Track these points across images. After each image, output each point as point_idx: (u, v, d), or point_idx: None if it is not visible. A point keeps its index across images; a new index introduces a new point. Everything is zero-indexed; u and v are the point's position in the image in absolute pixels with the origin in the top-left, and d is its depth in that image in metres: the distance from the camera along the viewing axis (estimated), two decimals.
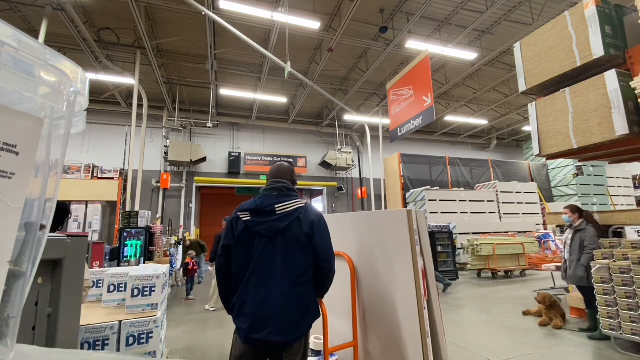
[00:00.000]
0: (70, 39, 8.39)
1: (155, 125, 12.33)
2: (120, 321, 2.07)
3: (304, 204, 1.81)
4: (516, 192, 13.48)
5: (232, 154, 13.20)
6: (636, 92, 2.85)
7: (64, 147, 0.47)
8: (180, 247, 10.48)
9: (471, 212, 12.21)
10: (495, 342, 3.93)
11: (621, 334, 3.47)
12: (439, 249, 8.79)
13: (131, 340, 2.08)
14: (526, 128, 16.58)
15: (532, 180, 15.22)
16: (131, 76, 9.21)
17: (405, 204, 12.82)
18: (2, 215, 0.35)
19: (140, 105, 9.18)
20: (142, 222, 8.23)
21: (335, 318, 2.63)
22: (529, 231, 10.91)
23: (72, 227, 9.58)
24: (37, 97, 0.41)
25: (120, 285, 2.40)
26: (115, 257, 6.26)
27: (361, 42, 9.10)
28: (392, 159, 13.96)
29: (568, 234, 4.42)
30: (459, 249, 10.00)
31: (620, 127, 2.95)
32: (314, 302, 1.75)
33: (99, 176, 10.15)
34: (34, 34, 7.45)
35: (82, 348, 1.90)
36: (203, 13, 6.56)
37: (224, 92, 11.32)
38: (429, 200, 11.61)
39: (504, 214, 12.93)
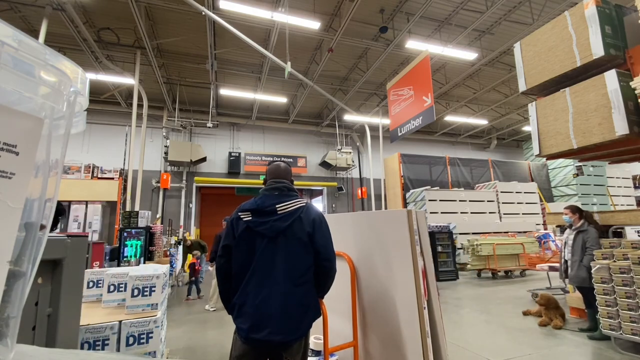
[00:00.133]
0: (70, 39, 8.39)
1: (155, 125, 12.33)
2: (120, 321, 2.07)
3: (304, 204, 1.81)
4: (516, 192, 13.48)
5: (232, 154, 13.20)
6: (636, 92, 2.85)
7: (64, 147, 0.47)
8: (180, 247, 10.49)
9: (471, 212, 12.21)
10: (495, 342, 3.93)
11: (621, 334, 3.47)
12: (439, 249, 8.81)
13: (131, 340, 2.07)
14: (526, 128, 16.59)
15: (532, 180, 15.22)
16: (131, 76, 9.21)
17: (405, 204, 12.82)
18: (2, 215, 0.35)
19: (140, 105, 9.18)
20: (142, 222, 8.24)
21: (335, 318, 2.63)
22: (529, 231, 10.91)
23: (72, 227, 9.58)
24: (37, 97, 0.41)
25: (120, 285, 2.40)
26: (115, 257, 6.27)
27: (361, 42, 9.10)
28: (392, 159, 13.96)
29: (568, 234, 4.42)
30: (459, 249, 10.00)
31: (620, 127, 2.95)
32: (314, 302, 1.75)
33: (99, 176, 10.16)
34: (34, 34, 7.45)
35: (82, 348, 1.90)
36: (203, 13, 6.56)
37: (224, 92, 11.32)
38: (429, 200, 11.61)
39: (504, 214, 12.93)
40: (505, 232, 10.56)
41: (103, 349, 1.98)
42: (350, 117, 13.41)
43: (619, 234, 4.38)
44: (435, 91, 10.38)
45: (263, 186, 1.90)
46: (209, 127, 11.78)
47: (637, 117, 2.98)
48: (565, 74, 3.46)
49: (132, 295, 2.25)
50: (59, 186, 0.46)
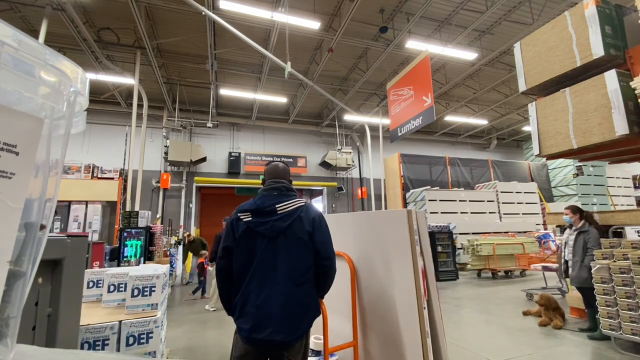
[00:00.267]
0: (70, 39, 8.39)
1: (155, 125, 12.33)
2: (120, 321, 2.07)
3: (304, 203, 1.81)
4: (516, 192, 13.48)
5: (232, 154, 13.20)
6: (636, 92, 2.85)
7: (64, 147, 0.47)
8: (180, 247, 10.49)
9: (471, 212, 12.21)
10: (495, 342, 3.93)
11: (621, 334, 3.47)
12: (439, 249, 8.81)
13: (131, 340, 2.07)
14: (526, 128, 16.59)
15: (532, 180, 15.22)
16: (131, 76, 9.21)
17: (405, 204, 12.82)
18: (2, 215, 0.35)
19: (140, 105, 9.18)
20: (142, 222, 8.24)
21: (335, 318, 2.63)
22: (529, 231, 10.91)
23: (72, 227, 9.58)
24: (37, 97, 0.41)
25: (120, 285, 2.40)
26: (115, 257, 6.27)
27: (361, 42, 9.10)
28: (392, 159, 13.96)
29: (568, 234, 4.42)
30: (459, 249, 10.00)
31: (620, 127, 2.95)
32: (314, 302, 1.75)
33: (99, 176, 10.15)
34: (34, 34, 7.45)
35: (82, 348, 1.90)
36: (203, 13, 6.56)
37: (224, 92, 11.32)
38: (429, 200, 11.61)
39: (504, 214, 12.93)
40: (505, 232, 10.56)
41: (103, 349, 1.98)
42: (350, 117, 13.41)
43: (619, 234, 4.38)
44: (435, 91, 10.38)
45: (262, 186, 1.90)
46: (209, 127, 11.78)
47: (637, 117, 2.98)
48: (565, 74, 3.46)
49: (132, 295, 2.25)
50: (59, 186, 0.46)
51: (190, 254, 9.15)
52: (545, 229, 12.18)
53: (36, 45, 0.41)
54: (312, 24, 7.72)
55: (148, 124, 10.22)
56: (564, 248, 4.48)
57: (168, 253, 8.70)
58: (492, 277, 8.72)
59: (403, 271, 2.26)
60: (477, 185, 14.26)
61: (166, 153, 11.68)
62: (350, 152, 14.17)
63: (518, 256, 8.70)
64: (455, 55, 9.38)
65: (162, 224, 10.19)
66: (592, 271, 3.77)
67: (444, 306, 5.38)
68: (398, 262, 2.30)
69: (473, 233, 10.64)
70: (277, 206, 1.75)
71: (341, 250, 2.65)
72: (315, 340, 2.51)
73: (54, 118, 0.43)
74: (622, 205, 14.38)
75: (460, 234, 10.56)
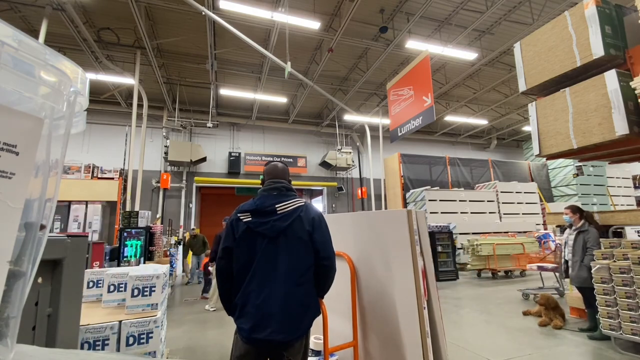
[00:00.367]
0: (70, 39, 8.39)
1: (155, 125, 12.33)
2: (120, 321, 2.07)
3: (303, 203, 1.82)
4: (516, 192, 13.48)
5: (232, 154, 13.20)
6: (636, 92, 2.85)
7: (64, 147, 0.47)
8: (181, 247, 10.50)
9: (471, 212, 12.21)
10: (495, 342, 3.93)
11: (621, 334, 3.47)
12: (439, 249, 8.81)
13: (131, 340, 2.08)
14: (526, 128, 16.59)
15: (532, 180, 15.22)
16: (131, 76, 9.21)
17: (405, 204, 12.82)
18: (2, 215, 0.35)
19: (140, 105, 9.18)
20: (142, 222, 8.23)
21: (335, 318, 2.63)
22: (529, 231, 10.91)
23: (72, 227, 9.58)
24: (37, 97, 0.41)
25: (120, 285, 2.40)
26: (115, 257, 6.27)
27: (361, 42, 9.10)
28: (392, 159, 13.96)
29: (568, 234, 4.42)
30: (459, 249, 10.00)
31: (620, 127, 2.95)
32: (314, 302, 1.75)
33: (99, 176, 10.15)
34: (34, 34, 7.45)
35: (82, 348, 1.90)
36: (203, 13, 6.56)
37: (224, 92, 11.32)
38: (429, 200, 11.61)
39: (504, 214, 12.93)
40: (505, 232, 10.56)
41: (103, 349, 1.98)
42: (350, 117, 13.41)
43: (619, 234, 4.38)
44: (435, 91, 10.38)
45: (261, 186, 1.90)
46: (209, 127, 11.78)
47: (637, 117, 2.98)
48: (565, 74, 3.46)
49: (132, 295, 2.26)
50: (59, 186, 0.46)
51: (190, 253, 9.15)
52: (545, 229, 12.18)
53: (36, 45, 0.41)
54: (312, 24, 7.72)
55: (148, 124, 10.22)
56: (564, 248, 4.48)
57: (168, 253, 8.70)
58: (492, 277, 8.72)
59: (403, 271, 2.26)
60: (477, 185, 14.26)
61: (166, 153, 11.68)
62: (350, 152, 14.17)
63: (518, 256, 8.70)
64: (455, 55, 9.38)
65: (162, 224, 10.20)
66: (592, 271, 3.77)
67: (444, 306, 5.38)
68: (398, 262, 2.30)
69: (473, 233, 10.64)
70: (276, 206, 1.75)
71: (341, 250, 2.65)
72: (315, 340, 2.52)
73: (54, 118, 0.43)
74: (622, 205, 14.38)
75: (460, 234, 10.56)
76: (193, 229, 9.33)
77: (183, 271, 10.60)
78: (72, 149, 11.02)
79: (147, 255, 6.60)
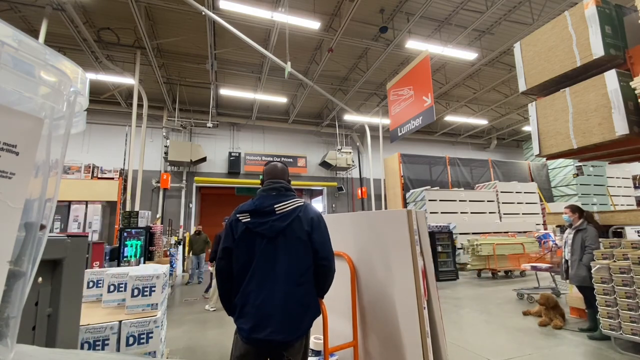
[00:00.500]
0: (70, 39, 8.39)
1: (155, 125, 12.33)
2: (120, 321, 2.07)
3: (302, 203, 1.82)
4: (516, 192, 13.48)
5: (232, 154, 13.20)
6: (636, 92, 2.85)
7: (64, 147, 0.47)
8: (180, 247, 10.50)
9: (471, 212, 12.21)
10: (495, 342, 3.93)
11: (621, 334, 3.47)
12: (439, 249, 8.81)
13: (131, 340, 2.08)
14: (526, 128, 16.59)
15: (532, 180, 15.22)
16: (131, 76, 9.21)
17: (405, 204, 12.82)
18: (2, 215, 0.35)
19: (140, 105, 9.18)
20: (142, 222, 8.23)
21: (335, 318, 2.63)
22: (529, 231, 10.91)
23: (72, 227, 9.58)
24: (37, 97, 0.41)
25: (120, 285, 2.40)
26: (115, 257, 6.27)
27: (361, 42, 9.10)
28: (392, 159, 13.96)
29: (568, 233, 4.42)
30: (459, 249, 10.00)
31: (620, 127, 2.95)
32: (314, 302, 1.75)
33: (99, 176, 10.15)
34: (34, 34, 7.45)
35: (82, 348, 1.90)
36: (203, 13, 6.56)
37: (224, 92, 11.32)
38: (429, 200, 11.61)
39: (504, 214, 12.93)
40: (505, 232, 10.56)
41: (103, 349, 1.98)
42: (350, 117, 13.41)
43: (619, 234, 4.38)
44: (435, 91, 10.38)
45: (261, 187, 1.91)
46: (209, 127, 11.78)
47: (637, 117, 2.98)
48: (565, 74, 3.46)
49: (132, 295, 2.26)
50: (59, 186, 0.46)
51: (190, 253, 9.15)
52: (545, 229, 12.18)
53: (36, 45, 0.41)
54: (312, 24, 7.72)
55: (148, 124, 10.22)
56: (565, 248, 4.48)
57: (168, 253, 8.70)
58: (492, 277, 8.71)
59: (403, 271, 2.26)
60: (477, 185, 14.26)
61: (166, 153, 11.68)
62: (350, 152, 14.17)
63: (517, 256, 8.68)
64: (455, 55, 9.38)
65: (162, 224, 10.20)
66: (592, 271, 3.77)
67: (444, 306, 5.38)
68: (398, 262, 2.30)
69: (473, 233, 10.64)
70: (275, 206, 1.75)
71: (341, 250, 2.65)
72: (315, 340, 2.51)
73: (54, 118, 0.43)
74: (622, 205, 14.38)
75: (460, 234, 10.56)
76: (198, 227, 9.35)
77: (184, 271, 10.60)
78: (72, 149, 11.02)
79: (147, 255, 6.60)
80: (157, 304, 2.31)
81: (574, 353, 3.56)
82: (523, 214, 13.25)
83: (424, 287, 2.25)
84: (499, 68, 10.90)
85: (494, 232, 10.42)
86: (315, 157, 14.84)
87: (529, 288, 6.38)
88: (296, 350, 1.66)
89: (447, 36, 8.92)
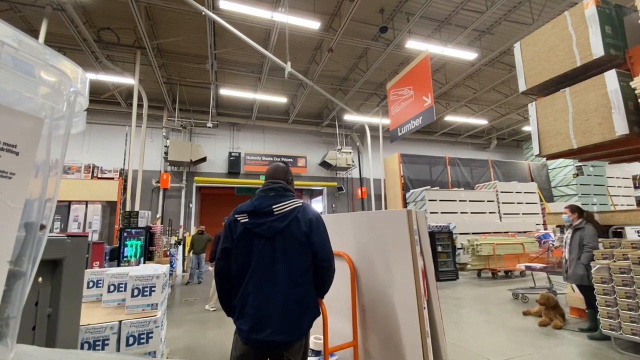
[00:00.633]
0: (70, 39, 8.39)
1: (155, 125, 12.33)
2: (120, 321, 2.07)
3: (300, 204, 1.81)
4: (516, 192, 13.47)
5: (232, 154, 13.20)
6: (636, 92, 2.85)
7: (64, 147, 0.47)
8: (180, 247, 10.50)
9: (471, 212, 12.21)
10: (495, 342, 3.93)
11: (621, 334, 3.47)
12: (439, 249, 8.81)
13: (131, 340, 2.08)
14: (526, 128, 16.59)
15: (532, 180, 15.22)
16: (131, 76, 9.21)
17: (405, 204, 12.82)
18: (2, 215, 0.35)
19: (140, 105, 9.18)
20: (142, 222, 8.23)
21: (335, 318, 2.63)
22: (529, 231, 10.91)
23: (72, 227, 9.58)
24: (37, 97, 0.41)
25: (120, 285, 2.40)
26: (115, 257, 6.27)
27: (361, 42, 9.10)
28: (392, 159, 13.96)
29: (568, 233, 4.42)
30: (459, 249, 10.00)
31: (620, 127, 2.95)
32: (314, 302, 1.75)
33: (99, 176, 10.15)
34: (34, 34, 7.45)
35: (82, 348, 1.90)
36: (203, 13, 6.56)
37: (224, 92, 11.32)
38: (429, 200, 11.61)
39: (504, 214, 12.93)
40: (505, 232, 10.56)
41: (103, 349, 1.98)
42: (350, 117, 13.41)
43: (619, 234, 4.38)
44: (435, 91, 10.38)
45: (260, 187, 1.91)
46: (209, 127, 11.78)
47: (637, 117, 2.98)
48: (565, 74, 3.46)
49: (132, 295, 2.26)
50: (59, 186, 0.46)
51: (191, 252, 9.16)
52: (545, 229, 12.18)
53: (36, 45, 0.41)
54: (312, 24, 7.72)
55: (148, 124, 10.22)
56: (564, 247, 4.48)
57: (168, 253, 8.69)
58: (492, 277, 8.71)
59: (403, 271, 2.26)
60: (477, 185, 14.26)
61: (166, 153, 11.68)
62: (350, 152, 14.17)
63: (517, 256, 8.69)
64: (455, 55, 9.38)
65: (162, 224, 10.20)
66: (592, 271, 3.77)
67: (444, 306, 5.38)
68: (398, 262, 2.30)
69: (473, 233, 10.64)
70: (273, 207, 1.75)
71: (341, 250, 2.65)
72: (315, 340, 2.51)
73: (54, 118, 0.43)
74: (622, 205, 14.38)
75: (460, 234, 10.56)
76: (201, 227, 9.39)
77: (184, 271, 10.60)
78: (72, 149, 11.02)
79: (147, 255, 6.60)
80: (157, 304, 2.31)
81: (574, 353, 3.56)
82: (523, 214, 13.25)
83: (424, 287, 2.25)
84: (499, 68, 10.90)
85: (494, 232, 10.42)
86: (315, 157, 14.84)
87: (524, 288, 6.38)
88: (296, 350, 1.66)
89: (447, 36, 8.92)
